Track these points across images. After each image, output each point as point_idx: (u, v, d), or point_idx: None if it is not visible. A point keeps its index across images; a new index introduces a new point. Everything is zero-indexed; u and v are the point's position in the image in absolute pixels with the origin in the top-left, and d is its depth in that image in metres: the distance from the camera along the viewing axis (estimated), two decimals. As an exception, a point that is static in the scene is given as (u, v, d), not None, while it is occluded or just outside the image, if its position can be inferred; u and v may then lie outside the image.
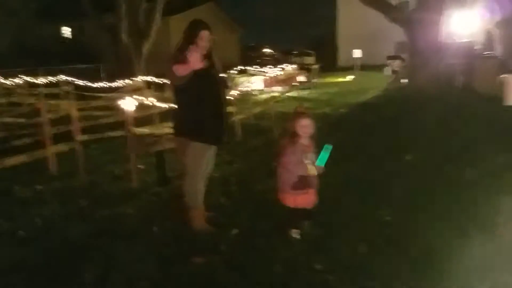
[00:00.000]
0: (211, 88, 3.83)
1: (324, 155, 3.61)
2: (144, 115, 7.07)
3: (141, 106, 5.80)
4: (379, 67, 22.70)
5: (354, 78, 20.28)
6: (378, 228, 3.89)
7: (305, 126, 3.62)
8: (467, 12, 16.34)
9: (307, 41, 39.53)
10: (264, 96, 11.88)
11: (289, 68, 13.42)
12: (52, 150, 5.87)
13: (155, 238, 3.93)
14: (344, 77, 20.90)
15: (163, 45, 30.56)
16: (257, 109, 8.62)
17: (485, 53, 12.80)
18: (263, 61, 26.43)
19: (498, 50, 14.58)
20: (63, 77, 12.72)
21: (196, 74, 3.71)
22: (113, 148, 7.04)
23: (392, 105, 10.86)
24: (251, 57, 32.01)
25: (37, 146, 6.19)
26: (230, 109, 8.27)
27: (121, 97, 5.24)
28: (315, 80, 15.41)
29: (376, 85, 15.83)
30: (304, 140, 3.66)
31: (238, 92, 8.99)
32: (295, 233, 3.73)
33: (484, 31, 16.65)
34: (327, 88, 16.36)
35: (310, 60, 30.87)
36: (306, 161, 3.62)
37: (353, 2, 30.06)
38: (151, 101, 5.60)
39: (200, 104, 3.78)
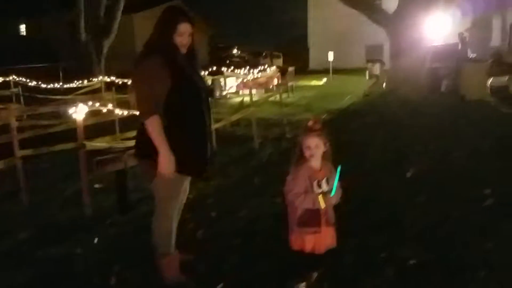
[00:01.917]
0: (193, 100, 2.87)
1: (335, 180, 2.75)
2: (102, 123, 5.98)
3: (97, 113, 4.76)
4: (351, 71, 22.25)
5: (328, 82, 19.67)
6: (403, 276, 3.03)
7: (310, 148, 2.73)
8: (439, 15, 15.98)
9: (277, 43, 38.86)
10: (240, 99, 10.96)
11: (268, 70, 12.55)
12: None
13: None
14: (319, 80, 20.26)
15: (127, 44, 29.36)
16: (237, 116, 7.69)
17: (471, 56, 12.35)
18: (233, 63, 25.55)
19: (470, 53, 14.29)
20: (15, 78, 11.37)
21: (175, 79, 2.76)
22: (65, 162, 5.91)
23: (375, 112, 10.16)
24: (220, 58, 31.01)
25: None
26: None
27: (72, 103, 4.20)
28: (291, 84, 14.63)
29: (352, 89, 15.19)
30: (315, 162, 2.77)
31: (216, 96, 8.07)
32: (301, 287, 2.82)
33: (456, 34, 16.38)
34: (304, 91, 15.60)
35: (278, 62, 30.21)
36: (318, 191, 2.74)
37: (324, 4, 29.96)
38: (108, 108, 4.56)
39: (178, 120, 2.81)
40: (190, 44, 2.91)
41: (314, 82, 19.63)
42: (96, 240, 3.78)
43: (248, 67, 14.33)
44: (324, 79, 19.98)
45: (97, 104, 4.64)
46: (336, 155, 6.27)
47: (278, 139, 7.37)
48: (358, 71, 19.59)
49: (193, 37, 2.92)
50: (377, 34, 15.24)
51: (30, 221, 4.21)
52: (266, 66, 13.29)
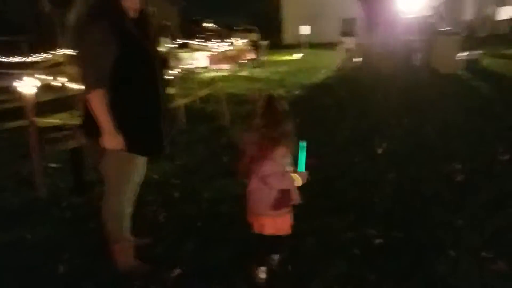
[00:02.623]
0: (144, 70, 2.59)
1: (302, 156, 2.55)
2: (62, 99, 5.62)
3: (51, 88, 4.42)
4: (327, 45, 21.96)
5: (302, 56, 19.39)
6: (370, 257, 2.91)
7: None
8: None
9: (251, 16, 38.07)
10: (211, 74, 10.63)
11: (239, 43, 12.16)
12: None
13: (59, 281, 2.72)
14: (291, 55, 19.95)
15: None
16: (204, 91, 7.39)
17: (444, 29, 12.26)
18: (207, 36, 24.87)
19: (444, 26, 14.23)
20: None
21: (123, 46, 2.48)
22: (21, 141, 5.55)
23: (348, 86, 10.02)
24: (193, 31, 30.18)
25: None
26: (171, 91, 7.02)
27: (20, 77, 3.86)
28: (264, 58, 14.29)
29: (327, 63, 15.00)
30: None
31: (180, 70, 7.72)
32: (261, 272, 2.66)
33: (430, 7, 16.31)
34: (276, 66, 15.30)
35: (253, 36, 29.64)
36: (289, 169, 2.55)
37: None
38: (61, 81, 4.22)
39: (126, 93, 2.55)
40: (142, 8, 2.62)
41: (288, 57, 19.33)
42: (48, 225, 3.53)
43: (221, 41, 13.98)
44: (299, 54, 19.69)
45: (51, 78, 4.27)
46: (308, 131, 6.13)
47: (250, 115, 7.13)
48: (334, 45, 19.36)
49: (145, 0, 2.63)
50: (353, 7, 15.02)
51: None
52: (237, 39, 12.88)
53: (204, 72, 10.47)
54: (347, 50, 13.53)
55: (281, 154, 2.45)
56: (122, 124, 2.54)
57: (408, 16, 12.94)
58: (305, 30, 20.36)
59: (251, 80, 8.81)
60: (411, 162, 4.74)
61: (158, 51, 2.83)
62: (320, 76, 12.40)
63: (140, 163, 2.81)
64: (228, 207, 3.68)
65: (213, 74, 10.51)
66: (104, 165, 2.68)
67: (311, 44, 23.28)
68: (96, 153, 2.65)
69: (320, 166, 4.74)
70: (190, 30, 31.71)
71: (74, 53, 2.57)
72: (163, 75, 2.83)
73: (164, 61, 2.89)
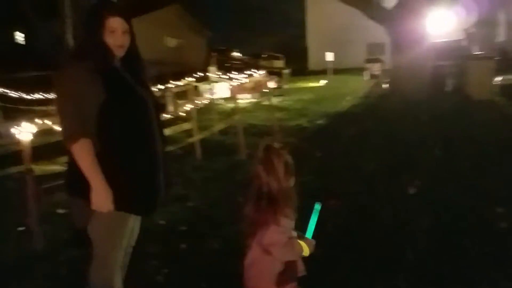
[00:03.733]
0: (136, 117, 2.28)
1: (313, 220, 2.13)
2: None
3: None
4: (352, 71, 21.57)
5: (327, 83, 19.03)
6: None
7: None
8: (443, 11, 15.34)
9: (276, 44, 38.21)
10: (232, 105, 10.37)
11: (257, 74, 11.91)
12: None
13: None
14: (317, 81, 19.63)
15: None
16: (220, 126, 7.10)
17: (477, 53, 11.69)
18: (233, 65, 24.92)
19: (476, 50, 13.64)
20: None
21: (110, 90, 2.19)
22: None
23: (374, 114, 9.55)
24: (220, 61, 30.39)
25: None
26: (186, 126, 6.76)
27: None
28: (286, 86, 13.99)
29: (352, 90, 14.56)
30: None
31: (200, 102, 7.48)
32: None
33: (461, 30, 15.76)
34: (300, 94, 14.97)
35: (279, 64, 29.55)
36: (294, 233, 2.14)
37: (323, 2, 29.30)
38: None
39: (116, 144, 2.24)
40: (130, 45, 2.33)
41: (312, 84, 19.00)
42: (39, 282, 3.21)
43: (247, 70, 13.81)
44: (323, 80, 19.34)
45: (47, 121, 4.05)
46: (330, 165, 5.66)
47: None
48: (360, 70, 18.94)
49: (133, 36, 2.34)
50: (379, 32, 14.63)
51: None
52: (252, 70, 12.62)
53: (226, 102, 10.25)
54: (373, 76, 13.09)
55: (285, 217, 2.04)
56: (111, 179, 2.21)
57: (438, 39, 12.44)
58: (329, 56, 20.06)
59: (273, 110, 8.47)
60: (446, 203, 4.23)
61: (152, 94, 2.52)
62: (345, 103, 11.98)
63: (132, 222, 2.46)
64: (236, 262, 3.26)
65: (234, 104, 10.27)
66: (92, 228, 2.34)
67: (337, 70, 22.92)
68: (82, 214, 2.32)
69: (341, 207, 4.31)
70: (217, 60, 32.02)
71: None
72: (159, 120, 2.50)
73: (159, 105, 2.56)
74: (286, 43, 38.84)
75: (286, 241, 2.03)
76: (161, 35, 31.05)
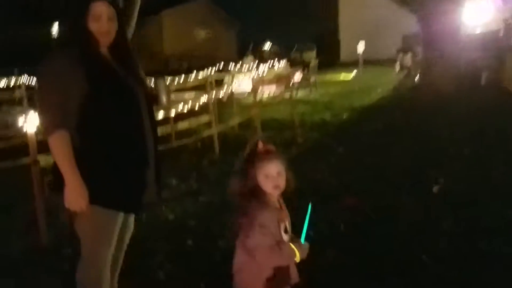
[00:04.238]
0: (124, 109, 2.14)
1: (306, 223, 1.95)
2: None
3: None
4: (385, 62, 20.92)
5: (357, 75, 18.54)
6: None
7: (270, 176, 1.93)
8: (479, 0, 14.59)
9: (308, 35, 37.64)
10: (255, 99, 10.20)
11: (279, 66, 11.64)
12: None
13: None
14: (347, 73, 19.15)
15: (155, 43, 29.19)
16: (237, 120, 6.94)
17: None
18: (264, 58, 24.69)
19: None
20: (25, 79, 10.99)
21: (94, 80, 2.06)
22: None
23: (404, 108, 9.16)
24: (252, 53, 30.20)
25: None
26: (205, 119, 6.64)
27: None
28: (313, 79, 13.68)
29: (383, 83, 14.07)
30: (274, 198, 1.98)
31: (220, 96, 7.34)
32: None
33: (499, 21, 14.92)
34: (328, 87, 14.60)
35: (311, 55, 29.07)
36: (286, 238, 1.95)
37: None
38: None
39: (99, 138, 2.11)
40: (118, 33, 2.19)
41: (342, 76, 18.55)
42: (42, 277, 3.16)
43: (278, 62, 13.60)
44: (353, 72, 18.84)
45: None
46: (351, 162, 5.40)
47: (288, 144, 6.57)
48: (393, 62, 18.33)
49: (121, 24, 2.20)
50: (415, 22, 14.08)
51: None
52: (278, 62, 12.34)
53: (247, 96, 10.09)
54: (404, 67, 12.60)
55: (272, 219, 1.86)
56: (93, 175, 2.09)
57: (473, 30, 11.82)
58: (361, 47, 19.49)
59: (297, 104, 8.26)
60: (473, 206, 3.92)
61: (143, 85, 2.37)
62: (374, 96, 11.57)
63: (122, 219, 2.33)
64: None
65: (257, 98, 10.10)
66: (78, 225, 2.23)
67: (369, 62, 22.31)
68: (66, 210, 2.21)
69: (360, 207, 4.08)
70: (246, 52, 31.84)
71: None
72: (151, 113, 2.36)
73: (152, 97, 2.41)
74: (320, 34, 38.20)
75: (271, 244, 1.85)
76: (191, 28, 31.17)
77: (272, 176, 1.92)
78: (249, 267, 1.91)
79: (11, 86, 10.34)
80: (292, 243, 1.93)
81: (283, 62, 12.28)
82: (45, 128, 2.07)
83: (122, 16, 2.23)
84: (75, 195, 2.05)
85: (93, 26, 2.09)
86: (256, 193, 1.94)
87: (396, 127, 7.51)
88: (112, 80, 2.15)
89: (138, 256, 3.24)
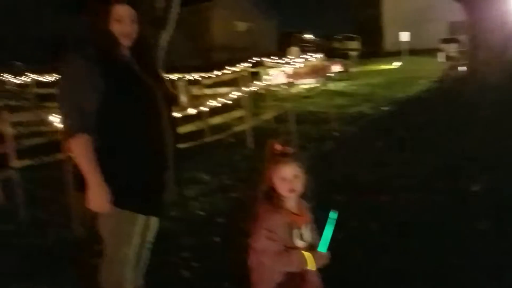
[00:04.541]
0: (142, 110, 2.14)
1: (328, 231, 1.87)
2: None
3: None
4: (430, 52, 20.14)
5: (401, 65, 17.94)
6: None
7: (287, 179, 1.87)
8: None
9: (350, 24, 36.81)
10: (292, 90, 10.10)
11: (316, 57, 11.41)
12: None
13: None
14: (390, 63, 18.58)
15: (196, 36, 29.39)
16: (271, 114, 6.87)
17: None
18: (304, 48, 24.33)
19: None
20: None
21: (114, 81, 2.07)
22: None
23: (448, 101, 8.75)
24: (289, 45, 29.87)
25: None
26: (238, 113, 6.61)
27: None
28: (353, 69, 13.34)
29: (427, 74, 13.53)
30: (291, 202, 1.92)
31: (254, 89, 7.28)
32: None
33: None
34: (369, 78, 14.21)
35: (354, 45, 28.41)
36: (300, 244, 1.89)
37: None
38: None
39: (119, 139, 2.12)
40: (137, 34, 2.18)
41: (385, 66, 18.01)
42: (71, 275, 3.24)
43: (321, 53, 13.37)
44: (397, 63, 18.25)
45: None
46: (389, 157, 5.21)
47: (323, 138, 6.44)
48: (438, 51, 17.61)
49: (140, 24, 2.19)
50: (461, 9, 13.39)
51: (18, 243, 3.79)
52: (309, 54, 12.07)
53: (287, 88, 10.01)
54: (449, 58, 12.05)
55: (280, 223, 1.83)
56: (114, 176, 2.10)
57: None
58: (404, 36, 18.81)
59: (335, 95, 8.09)
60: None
61: (163, 85, 2.36)
62: (417, 88, 11.16)
63: (143, 220, 2.34)
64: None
65: (294, 90, 9.98)
66: (100, 224, 2.26)
67: (414, 51, 21.54)
68: (85, 210, 2.24)
69: (393, 204, 3.94)
70: (286, 43, 31.52)
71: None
72: (169, 113, 2.34)
73: (171, 97, 2.39)
74: (362, 23, 37.27)
75: (278, 249, 1.82)
76: (231, 20, 31.20)
77: (288, 179, 1.87)
78: (260, 269, 1.90)
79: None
80: (308, 251, 1.87)
81: (319, 54, 12.03)
82: (67, 132, 2.08)
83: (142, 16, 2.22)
84: (97, 198, 2.07)
85: (115, 28, 2.09)
86: (270, 196, 1.90)
87: (439, 121, 7.19)
88: (132, 81, 2.15)
89: (165, 253, 3.28)
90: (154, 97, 2.20)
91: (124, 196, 2.12)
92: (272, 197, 1.89)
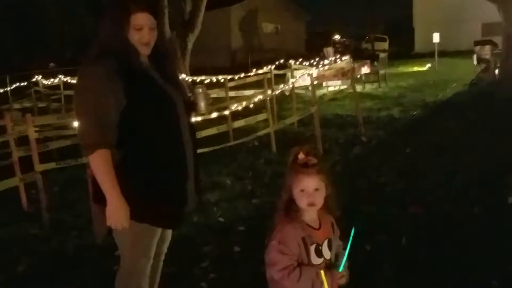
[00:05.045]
0: (163, 120, 2.06)
1: (347, 249, 1.77)
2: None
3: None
4: (462, 53, 19.54)
5: (432, 67, 17.45)
6: None
7: (309, 193, 1.74)
8: None
9: (381, 25, 36.21)
10: (318, 93, 9.93)
11: (343, 59, 11.18)
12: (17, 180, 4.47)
13: None
14: (421, 65, 18.10)
15: (223, 38, 29.48)
16: (295, 117, 6.73)
17: None
18: (334, 49, 24.00)
19: None
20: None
21: (134, 92, 1.99)
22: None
23: (481, 105, 8.40)
24: (319, 45, 29.55)
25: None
26: (262, 116, 6.51)
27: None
28: (383, 71, 13.02)
29: (460, 76, 13.09)
30: (311, 215, 1.80)
31: (281, 92, 7.18)
32: None
33: None
34: (399, 80, 13.86)
35: (383, 46, 27.94)
36: (317, 261, 1.77)
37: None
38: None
39: (139, 151, 2.05)
40: (156, 42, 2.11)
41: (416, 68, 17.56)
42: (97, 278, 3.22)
43: (350, 54, 13.13)
44: (428, 64, 17.76)
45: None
46: (419, 164, 5.00)
47: (350, 142, 6.27)
48: (472, 53, 17.07)
49: (161, 32, 2.12)
50: (496, 10, 12.91)
51: (40, 247, 3.80)
52: (337, 56, 11.85)
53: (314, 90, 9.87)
54: (482, 60, 11.60)
55: (294, 236, 1.72)
56: (133, 189, 2.02)
57: None
58: (436, 37, 18.29)
59: (364, 98, 7.89)
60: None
61: (183, 92, 2.27)
62: (449, 91, 10.79)
63: (159, 233, 2.27)
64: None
65: (321, 92, 9.81)
66: (118, 236, 2.19)
67: (445, 53, 20.95)
68: (99, 223, 2.17)
69: (424, 216, 3.76)
70: (316, 44, 31.24)
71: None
72: (190, 121, 2.26)
73: (191, 105, 2.31)
74: (393, 24, 36.66)
75: (287, 265, 1.70)
76: (258, 21, 31.15)
77: (308, 192, 1.75)
78: (273, 282, 1.79)
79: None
80: (325, 270, 1.75)
81: (346, 56, 11.82)
82: (86, 145, 1.99)
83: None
84: (117, 214, 2.00)
85: (134, 36, 2.02)
86: (288, 207, 1.78)
87: (471, 127, 6.89)
88: (152, 91, 2.07)
89: (184, 262, 3.22)
90: (173, 106, 2.12)
91: (144, 210, 2.05)
92: (290, 209, 1.78)
